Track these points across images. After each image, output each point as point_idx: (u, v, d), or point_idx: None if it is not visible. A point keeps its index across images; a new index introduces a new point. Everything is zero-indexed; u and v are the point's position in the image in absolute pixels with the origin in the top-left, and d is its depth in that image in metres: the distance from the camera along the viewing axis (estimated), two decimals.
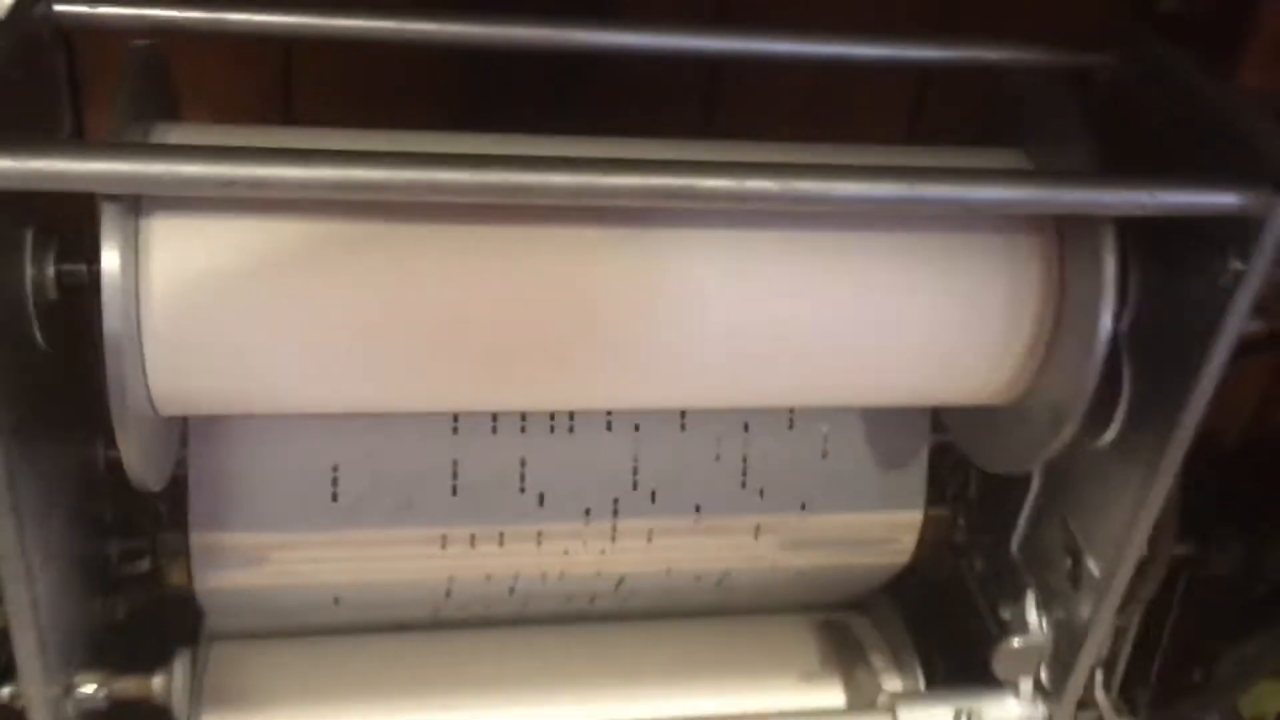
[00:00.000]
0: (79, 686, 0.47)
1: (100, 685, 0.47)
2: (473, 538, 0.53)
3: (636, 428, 0.54)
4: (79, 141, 0.44)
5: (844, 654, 0.59)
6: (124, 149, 0.36)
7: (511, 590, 0.56)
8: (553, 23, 0.46)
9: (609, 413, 0.54)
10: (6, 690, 0.45)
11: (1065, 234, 0.46)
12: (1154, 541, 0.51)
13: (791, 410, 0.55)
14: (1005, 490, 0.56)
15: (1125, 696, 0.66)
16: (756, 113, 0.61)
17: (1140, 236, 0.46)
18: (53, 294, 0.42)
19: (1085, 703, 0.57)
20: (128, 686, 0.48)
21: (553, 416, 0.53)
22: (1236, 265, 0.42)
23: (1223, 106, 0.43)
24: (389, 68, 0.55)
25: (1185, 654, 0.70)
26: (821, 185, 0.39)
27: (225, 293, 0.41)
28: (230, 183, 0.35)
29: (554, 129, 0.45)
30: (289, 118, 0.57)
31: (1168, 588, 0.68)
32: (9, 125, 0.37)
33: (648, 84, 0.54)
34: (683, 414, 0.55)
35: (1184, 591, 0.68)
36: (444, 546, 0.53)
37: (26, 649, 0.42)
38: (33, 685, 0.43)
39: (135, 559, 0.52)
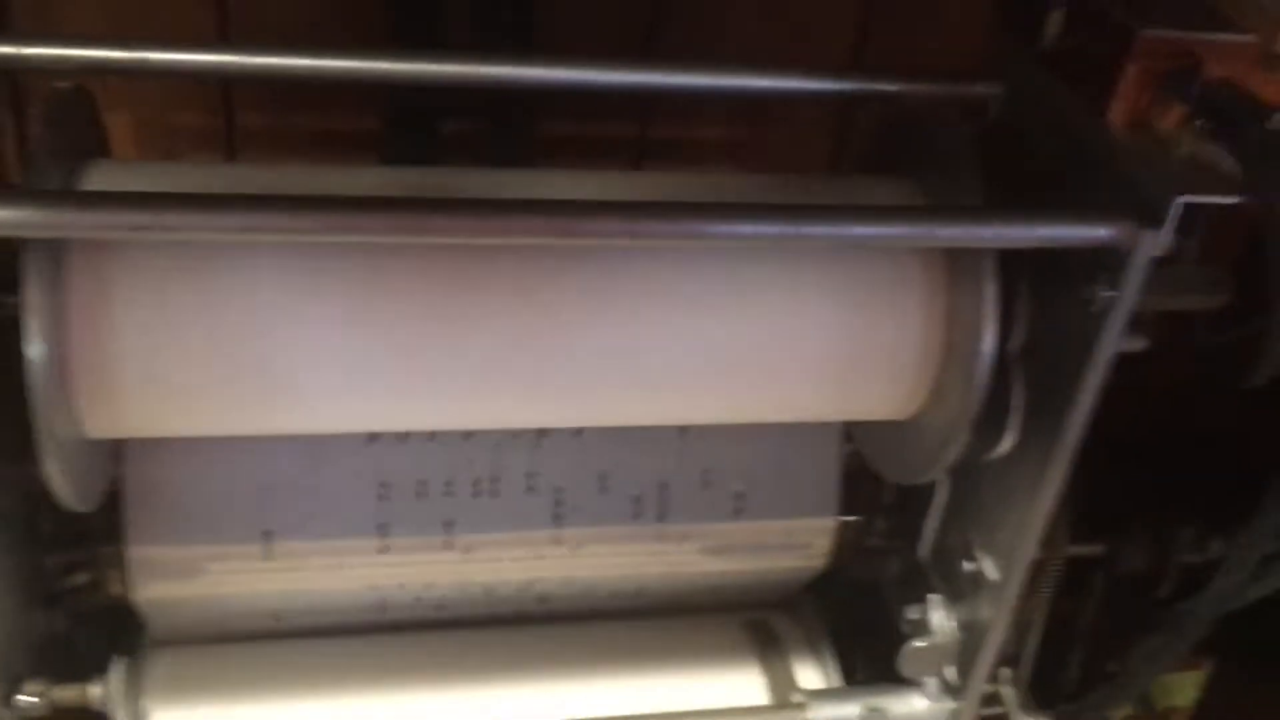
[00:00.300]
0: (20, 695, 0.48)
1: (41, 694, 0.49)
2: (399, 547, 0.55)
3: (579, 433, 0.57)
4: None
5: (764, 651, 0.61)
6: (37, 197, 0.38)
7: (442, 598, 0.58)
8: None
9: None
10: None
11: (953, 263, 0.48)
12: (1048, 544, 0.54)
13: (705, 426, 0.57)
14: (917, 498, 0.59)
15: (1041, 691, 0.69)
16: (685, 135, 0.64)
17: (1028, 262, 0.48)
18: None
19: (993, 699, 0.60)
20: (67, 695, 0.50)
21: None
22: (1108, 293, 0.44)
23: (1095, 141, 0.45)
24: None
25: (1102, 649, 0.73)
26: (716, 225, 0.42)
27: (146, 322, 0.42)
28: (138, 228, 0.37)
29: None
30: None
31: (1083, 585, 0.71)
32: None
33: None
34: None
35: (1100, 589, 0.71)
36: (379, 554, 0.55)
37: None
38: None
39: (74, 571, 0.54)
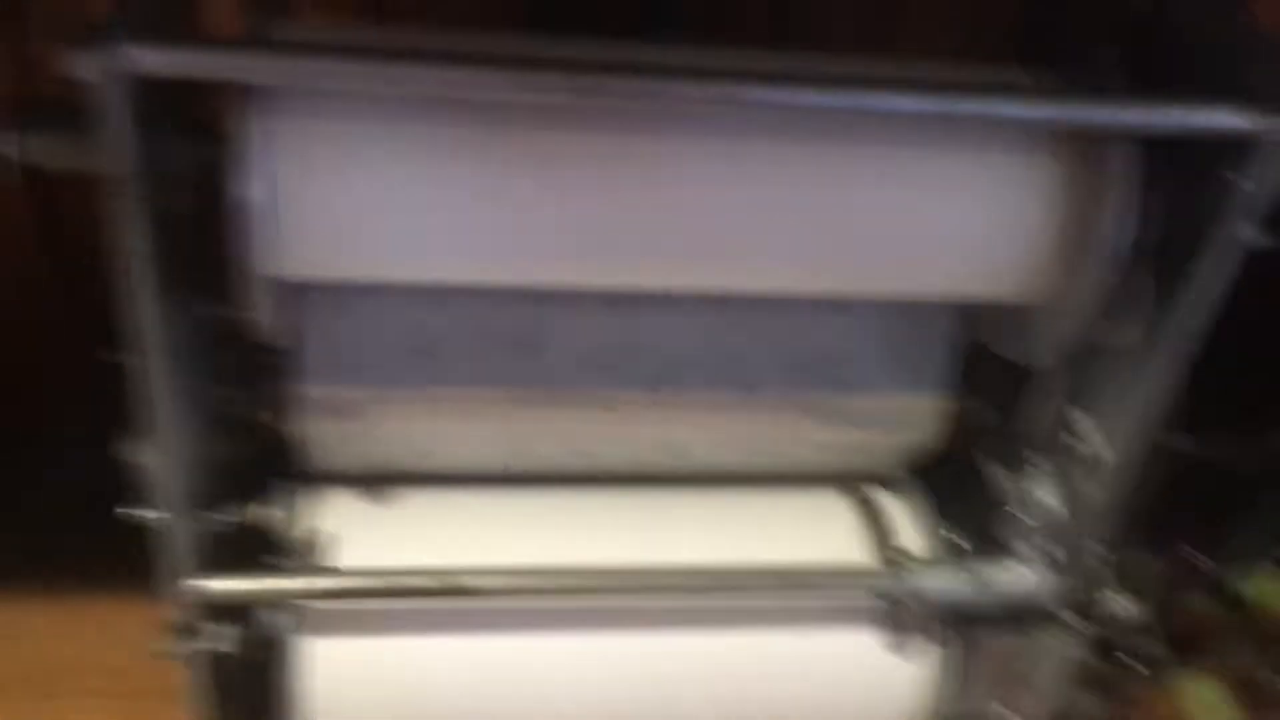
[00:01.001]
0: (208, 512, 0.54)
1: (227, 511, 0.54)
2: (547, 400, 0.60)
3: (696, 308, 0.60)
4: (227, 39, 0.50)
5: (870, 523, 0.65)
6: (269, 46, 0.42)
7: (577, 451, 0.63)
8: None
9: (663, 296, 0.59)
10: (153, 514, 0.53)
11: (1090, 148, 0.50)
12: (1159, 433, 0.56)
13: (833, 303, 0.61)
14: (1029, 382, 0.61)
15: (1129, 575, 0.72)
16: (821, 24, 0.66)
17: (1162, 151, 0.50)
18: (191, 164, 0.48)
19: (1091, 578, 0.63)
20: (251, 515, 0.56)
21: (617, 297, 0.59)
22: (1240, 182, 0.46)
23: (1238, 33, 0.47)
24: None
25: (1189, 539, 0.76)
26: (861, 98, 0.44)
27: (345, 174, 0.47)
28: (366, 77, 0.41)
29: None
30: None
31: (1172, 476, 0.74)
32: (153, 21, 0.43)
33: None
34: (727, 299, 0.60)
35: (1188, 479, 0.74)
36: (522, 407, 0.60)
37: (166, 480, 0.50)
38: (173, 510, 0.51)
39: (252, 405, 0.59)
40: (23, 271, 0.77)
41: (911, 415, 0.64)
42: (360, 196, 0.47)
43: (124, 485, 0.53)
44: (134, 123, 0.41)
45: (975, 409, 0.64)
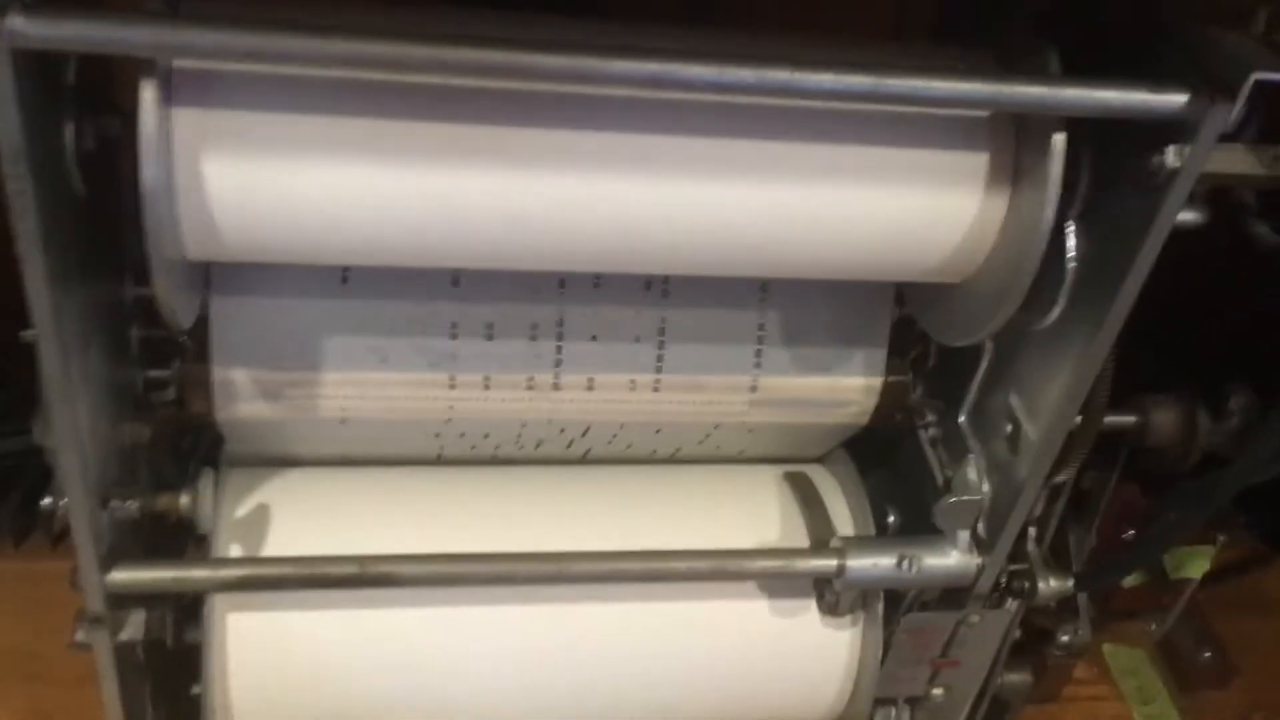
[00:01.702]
0: (114, 499, 0.52)
1: (133, 499, 0.52)
2: (468, 383, 0.58)
3: (648, 286, 0.59)
4: (116, 10, 0.47)
5: (803, 501, 0.64)
6: (155, 18, 0.40)
7: (491, 435, 0.61)
8: None
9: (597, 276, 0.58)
10: (49, 502, 0.51)
11: (1020, 129, 0.49)
12: (1086, 412, 0.56)
13: (765, 284, 0.60)
14: (961, 362, 0.61)
15: (1064, 557, 0.73)
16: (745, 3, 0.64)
17: (1093, 131, 0.50)
18: (90, 144, 0.46)
19: (1018, 556, 0.63)
20: (159, 501, 0.54)
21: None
22: (1172, 163, 0.46)
23: (1173, 13, 0.46)
24: None
25: (1126, 519, 0.76)
26: (794, 76, 0.43)
27: (250, 148, 0.44)
28: (252, 53, 0.39)
29: None
30: None
31: (1111, 456, 0.74)
32: None
33: None
34: (665, 281, 0.59)
35: (1126, 460, 0.74)
36: (451, 388, 0.58)
37: (70, 464, 0.48)
38: (75, 498, 0.48)
39: (161, 388, 0.57)
40: None
41: (847, 395, 0.63)
42: (262, 177, 0.45)
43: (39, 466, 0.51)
44: (19, 99, 0.38)
45: (909, 389, 0.64)
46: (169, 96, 0.43)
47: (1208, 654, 0.84)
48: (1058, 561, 0.69)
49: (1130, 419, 0.69)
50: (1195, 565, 0.79)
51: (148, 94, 0.41)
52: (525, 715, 0.63)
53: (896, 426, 0.66)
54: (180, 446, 0.63)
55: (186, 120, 0.43)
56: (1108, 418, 0.69)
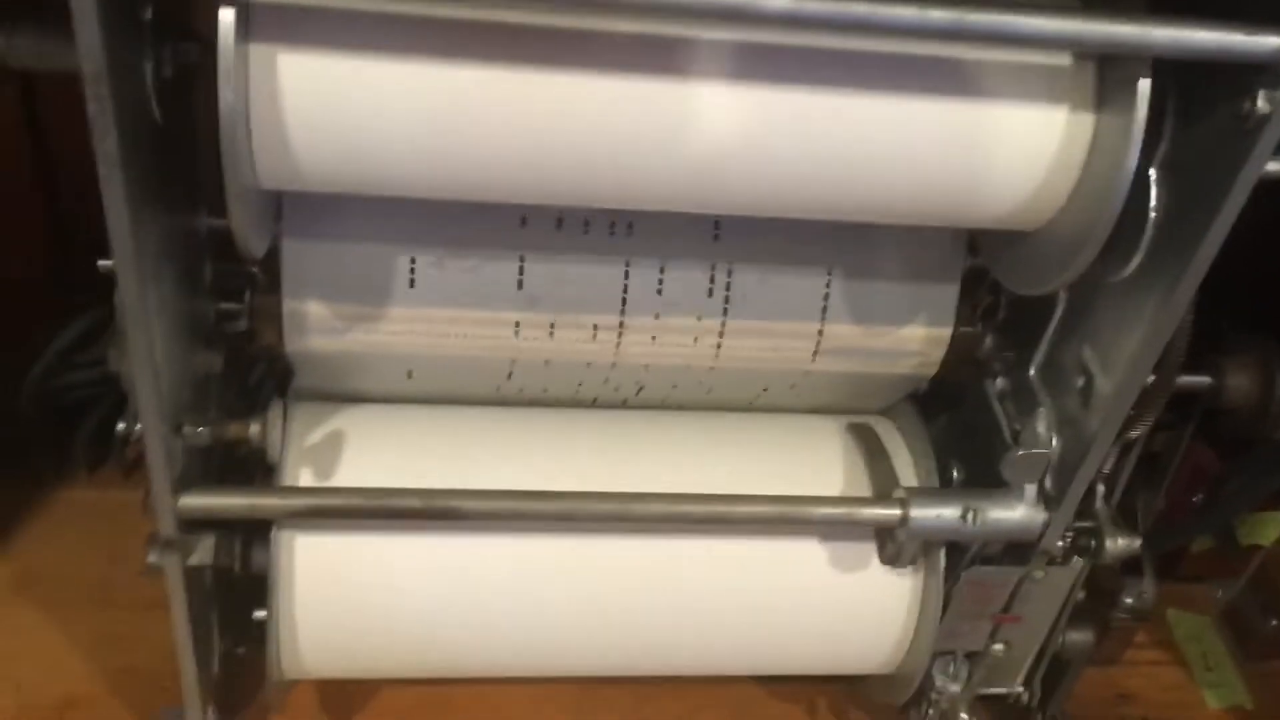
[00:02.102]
0: (187, 426, 0.53)
1: (206, 426, 0.53)
2: (534, 324, 0.58)
3: (716, 236, 0.59)
4: None
5: (867, 452, 0.64)
6: None
7: (554, 380, 0.61)
8: None
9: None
10: (124, 428, 0.52)
11: (1104, 68, 0.48)
12: (1161, 368, 0.55)
13: (834, 231, 0.59)
14: (1033, 314, 0.60)
15: (1128, 514, 0.72)
16: None
17: (1178, 74, 0.48)
18: (168, 71, 0.46)
19: (1086, 513, 0.62)
20: (230, 429, 0.55)
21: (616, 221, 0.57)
22: (1263, 108, 0.44)
23: None
24: None
25: (1196, 483, 0.75)
26: (875, 10, 0.42)
27: (326, 76, 0.45)
28: None
29: None
30: None
31: (1184, 417, 0.73)
32: None
33: None
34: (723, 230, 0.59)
35: (1200, 422, 0.73)
36: (516, 330, 0.58)
37: (145, 389, 0.48)
38: (150, 422, 0.49)
39: (233, 319, 0.58)
40: (11, 176, 0.75)
41: (914, 345, 0.63)
42: (335, 104, 0.45)
43: (113, 395, 0.52)
44: (102, 23, 0.39)
45: (979, 340, 0.63)
46: (246, 24, 0.43)
47: (1274, 622, 0.82)
48: (1125, 521, 0.68)
49: (1205, 379, 0.68)
50: (1267, 532, 0.77)
51: (225, 19, 0.41)
52: (586, 654, 0.64)
53: (963, 378, 0.65)
54: (250, 379, 0.64)
55: (263, 47, 0.44)
56: (1181, 378, 0.68)
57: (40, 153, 0.74)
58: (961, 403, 0.66)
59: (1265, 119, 0.44)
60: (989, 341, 0.63)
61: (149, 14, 0.44)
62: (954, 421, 0.67)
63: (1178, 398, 0.69)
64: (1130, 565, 0.79)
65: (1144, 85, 0.46)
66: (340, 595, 0.58)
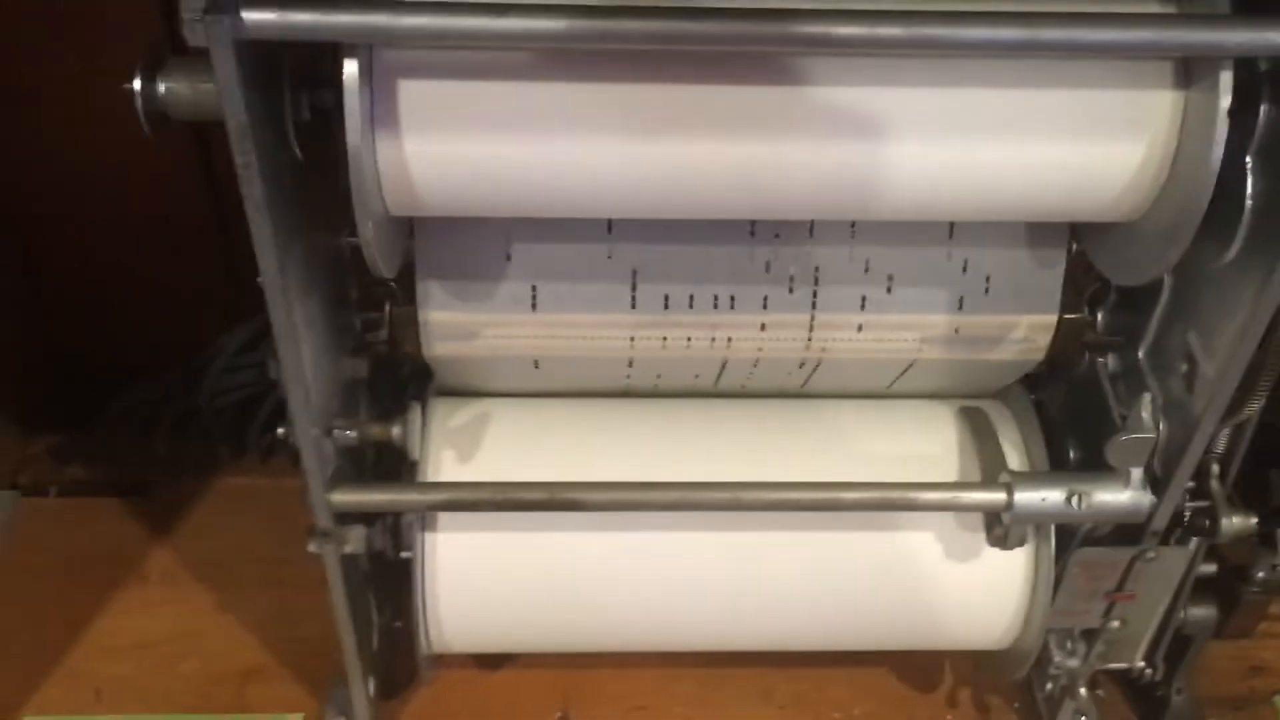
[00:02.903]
0: (336, 429, 0.58)
1: (353, 428, 0.59)
2: (644, 324, 0.62)
3: (811, 232, 0.61)
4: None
5: (977, 435, 0.65)
6: (356, 5, 0.44)
7: (685, 369, 0.65)
8: None
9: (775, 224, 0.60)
10: (283, 430, 0.58)
11: (1190, 67, 0.49)
12: (1265, 350, 0.55)
13: (951, 225, 0.61)
14: (1142, 298, 0.61)
15: (1262, 490, 0.71)
16: None
17: (1272, 62, 0.48)
18: (306, 114, 0.51)
19: (1201, 493, 0.63)
20: (374, 430, 0.60)
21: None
22: None
23: None
24: None
25: None
26: (948, 31, 0.44)
27: (445, 116, 0.49)
28: (444, 35, 0.43)
29: None
30: None
31: None
32: None
33: None
34: (852, 225, 0.61)
35: None
36: (633, 331, 0.62)
37: (296, 398, 0.54)
38: (302, 427, 0.55)
39: (375, 329, 0.63)
40: (186, 211, 0.83)
41: (1023, 332, 0.64)
42: (451, 140, 0.49)
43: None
44: (243, 83, 0.44)
45: (1084, 326, 0.64)
46: (370, 71, 0.48)
47: None
48: (1257, 499, 0.68)
49: None
50: None
51: (350, 70, 0.46)
52: (706, 636, 0.67)
53: (1079, 360, 0.66)
54: (400, 378, 0.69)
55: (387, 89, 0.48)
56: None
57: (212, 187, 0.81)
58: (1078, 383, 0.67)
59: None
60: (1101, 324, 0.64)
61: (286, 68, 0.50)
62: (1071, 401, 0.68)
63: None
64: (1265, 538, 0.78)
65: (1225, 80, 0.47)
66: (476, 577, 0.64)
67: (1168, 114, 0.50)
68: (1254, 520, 0.63)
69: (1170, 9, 0.49)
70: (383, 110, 0.48)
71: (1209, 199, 0.49)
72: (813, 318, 0.62)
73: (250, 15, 0.43)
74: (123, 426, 0.87)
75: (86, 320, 0.89)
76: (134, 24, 0.72)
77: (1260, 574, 0.77)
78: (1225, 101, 0.47)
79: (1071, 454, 0.67)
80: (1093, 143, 0.51)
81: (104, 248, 0.85)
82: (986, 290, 0.62)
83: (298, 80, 0.50)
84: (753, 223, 0.60)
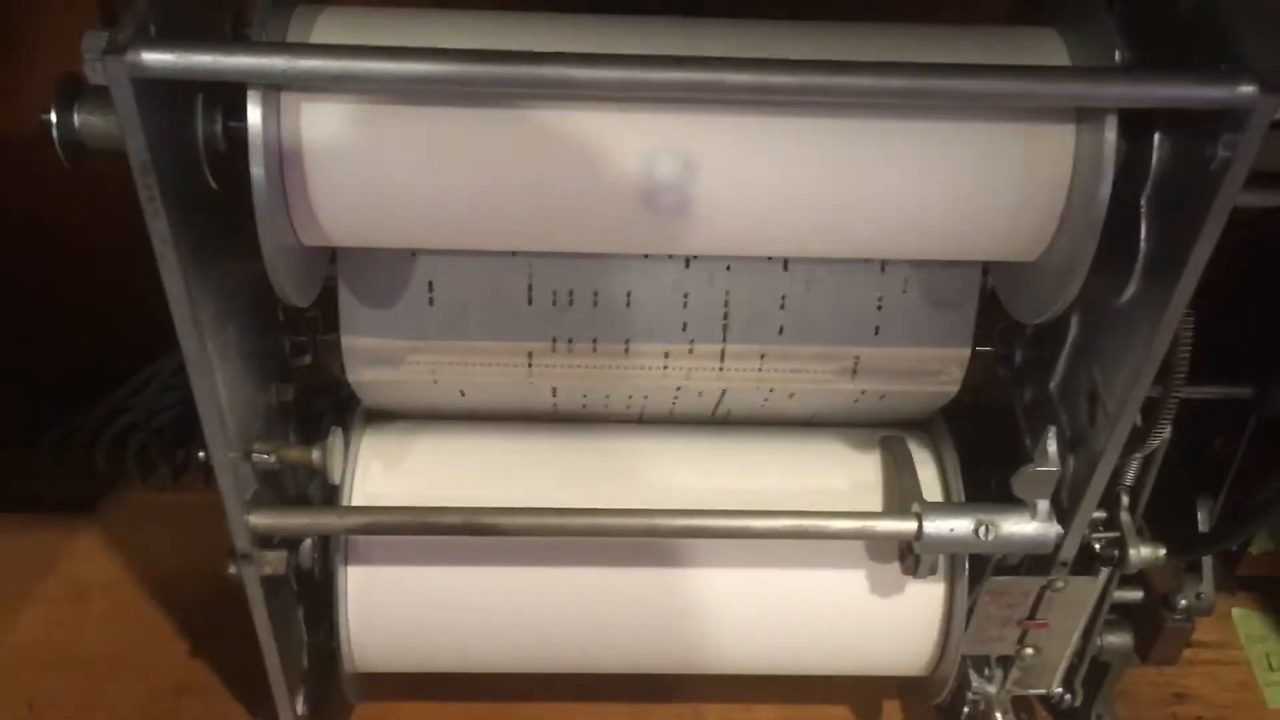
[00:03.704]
0: (254, 453, 0.59)
1: (271, 453, 0.60)
2: (565, 352, 0.63)
3: (728, 268, 0.62)
4: (219, 40, 0.52)
5: (895, 465, 0.67)
6: (254, 47, 0.45)
7: (604, 399, 0.66)
8: None
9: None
10: (201, 454, 0.59)
11: (1083, 115, 0.50)
12: (1166, 386, 0.57)
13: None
14: (1056, 334, 0.62)
15: (1187, 521, 0.73)
16: None
17: (1162, 116, 0.50)
18: (221, 146, 0.52)
19: (1112, 524, 0.64)
20: (293, 454, 0.61)
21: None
22: (1224, 152, 0.46)
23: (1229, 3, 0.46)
24: None
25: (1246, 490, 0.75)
26: (838, 79, 0.45)
27: (352, 148, 0.50)
28: (339, 77, 0.44)
29: None
30: None
31: (1239, 427, 0.73)
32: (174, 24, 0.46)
33: None
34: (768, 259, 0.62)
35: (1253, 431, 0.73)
36: (529, 362, 0.63)
37: (210, 424, 0.55)
38: (216, 453, 0.56)
39: (300, 353, 0.64)
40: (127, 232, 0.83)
41: (937, 365, 0.65)
42: (367, 172, 0.50)
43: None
44: (142, 119, 0.45)
45: (998, 360, 0.65)
46: (279, 105, 0.49)
47: None
48: (1182, 529, 0.69)
49: (1246, 390, 0.68)
50: None
51: (253, 104, 0.47)
52: (625, 658, 0.68)
53: (995, 397, 0.67)
54: (340, 399, 0.70)
55: (294, 122, 0.49)
56: (1225, 388, 0.69)
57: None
58: (997, 416, 0.68)
59: (1227, 161, 0.46)
60: (1019, 359, 0.65)
61: (199, 102, 0.50)
62: (991, 434, 0.69)
63: (1227, 406, 0.70)
64: (1190, 566, 0.79)
65: (1110, 128, 0.48)
66: (393, 597, 0.65)
67: (1060, 159, 0.51)
68: (1162, 551, 0.64)
69: (1063, 59, 0.51)
70: (290, 143, 0.49)
71: (1097, 241, 0.51)
72: (723, 350, 0.63)
73: (149, 55, 0.44)
74: (65, 444, 0.87)
75: (30, 339, 0.89)
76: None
77: (1184, 602, 0.78)
78: (1110, 148, 0.48)
79: (992, 485, 0.68)
80: (992, 186, 0.52)
81: (46, 267, 0.86)
82: (902, 323, 0.64)
83: (211, 113, 0.51)
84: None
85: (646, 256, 0.61)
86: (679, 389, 0.66)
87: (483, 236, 0.54)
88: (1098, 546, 0.64)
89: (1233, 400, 0.70)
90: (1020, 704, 0.77)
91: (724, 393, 0.67)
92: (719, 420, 0.70)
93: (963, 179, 0.52)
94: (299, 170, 0.50)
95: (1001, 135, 0.51)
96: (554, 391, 0.66)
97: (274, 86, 0.48)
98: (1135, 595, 0.74)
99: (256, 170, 0.48)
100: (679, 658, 0.69)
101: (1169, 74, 0.45)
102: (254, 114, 0.47)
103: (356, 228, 0.53)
